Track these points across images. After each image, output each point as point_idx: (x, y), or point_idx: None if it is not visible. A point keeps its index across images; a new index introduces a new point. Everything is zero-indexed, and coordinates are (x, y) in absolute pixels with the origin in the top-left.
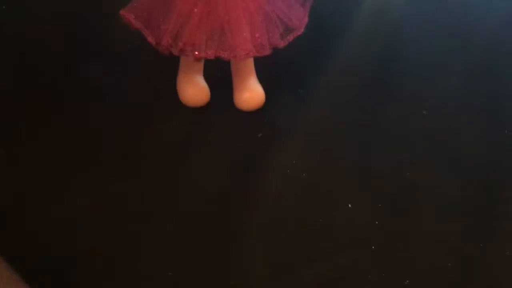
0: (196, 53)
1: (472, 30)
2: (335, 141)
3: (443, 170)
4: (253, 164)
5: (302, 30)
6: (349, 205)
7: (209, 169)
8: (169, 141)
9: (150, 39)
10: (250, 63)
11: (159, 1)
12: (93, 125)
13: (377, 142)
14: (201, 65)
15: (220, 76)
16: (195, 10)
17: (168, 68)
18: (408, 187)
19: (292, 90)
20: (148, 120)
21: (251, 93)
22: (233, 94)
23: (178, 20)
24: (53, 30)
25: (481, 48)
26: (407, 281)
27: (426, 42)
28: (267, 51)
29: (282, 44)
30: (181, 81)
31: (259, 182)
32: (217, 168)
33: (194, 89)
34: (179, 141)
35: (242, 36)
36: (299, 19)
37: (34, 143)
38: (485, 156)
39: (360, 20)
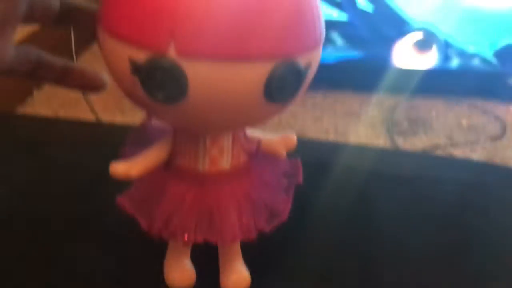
0: (186, 237)
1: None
2: None
3: None
4: None
5: (286, 215)
6: None
7: None
8: None
9: (143, 224)
10: (237, 247)
11: (153, 188)
12: None
13: None
14: (188, 249)
15: (207, 259)
16: (186, 196)
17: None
18: None
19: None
20: None
21: (237, 275)
22: (220, 276)
23: (170, 205)
24: (54, 209)
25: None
26: None
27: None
28: (253, 235)
29: (267, 228)
30: (168, 264)
31: None
32: None
33: (180, 273)
34: None
35: (230, 222)
36: (283, 205)
37: None
38: None
39: (340, 203)
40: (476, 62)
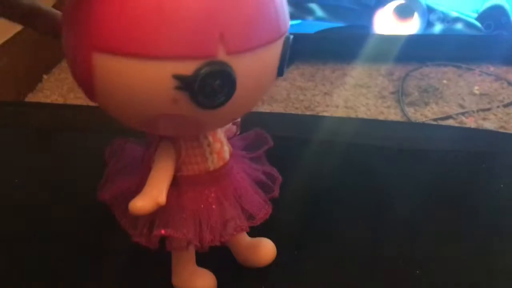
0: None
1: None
2: None
3: None
4: None
5: (278, 191)
6: None
7: None
8: None
9: (179, 240)
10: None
11: (169, 206)
12: None
13: None
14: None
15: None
16: (210, 199)
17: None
18: None
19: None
20: None
21: (265, 248)
22: (242, 257)
23: (196, 216)
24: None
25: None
26: None
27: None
28: (271, 207)
29: (276, 194)
30: (185, 277)
31: None
32: None
33: (203, 279)
34: None
35: (256, 200)
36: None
37: None
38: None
39: (351, 178)
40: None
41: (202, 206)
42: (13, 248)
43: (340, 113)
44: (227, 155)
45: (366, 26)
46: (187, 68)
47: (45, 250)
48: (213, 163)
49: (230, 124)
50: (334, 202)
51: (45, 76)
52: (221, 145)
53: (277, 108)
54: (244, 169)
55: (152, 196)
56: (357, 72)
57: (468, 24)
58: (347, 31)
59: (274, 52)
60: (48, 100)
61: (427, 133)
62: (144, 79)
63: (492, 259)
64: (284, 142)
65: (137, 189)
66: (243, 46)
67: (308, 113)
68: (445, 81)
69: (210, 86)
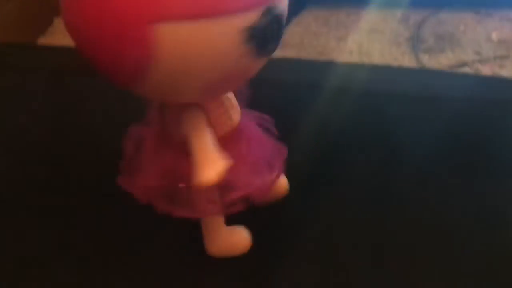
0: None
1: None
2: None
3: None
4: None
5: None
6: None
7: None
8: None
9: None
10: None
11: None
12: None
13: None
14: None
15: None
16: (243, 151)
17: None
18: None
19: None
20: None
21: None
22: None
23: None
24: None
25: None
26: None
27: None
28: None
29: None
30: (221, 240)
31: None
32: None
33: (239, 234)
34: None
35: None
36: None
37: None
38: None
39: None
40: None
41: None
42: (26, 195)
43: (354, 58)
44: (238, 107)
45: None
46: (253, 18)
47: (61, 197)
48: (235, 117)
49: None
50: (346, 147)
51: (55, 19)
52: (233, 98)
53: (290, 53)
54: (248, 118)
55: (213, 163)
56: (372, 17)
57: None
58: None
59: None
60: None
61: (441, 81)
62: (213, 40)
63: (504, 208)
64: (295, 88)
65: (177, 169)
66: None
67: (321, 58)
68: (462, 27)
69: (271, 32)
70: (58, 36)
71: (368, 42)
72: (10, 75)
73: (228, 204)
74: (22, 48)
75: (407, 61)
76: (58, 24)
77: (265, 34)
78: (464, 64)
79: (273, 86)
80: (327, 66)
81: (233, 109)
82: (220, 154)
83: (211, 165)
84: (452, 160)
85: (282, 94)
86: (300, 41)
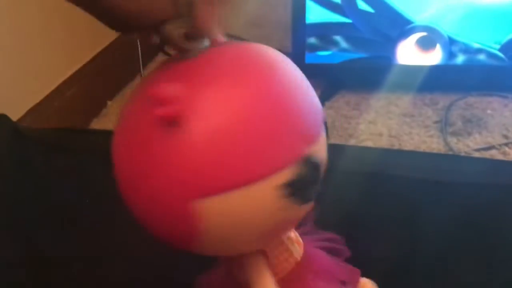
0: None
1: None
2: None
3: None
4: None
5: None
6: None
7: None
8: None
9: None
10: None
11: None
12: None
13: None
14: None
15: None
16: None
17: None
18: None
19: None
20: None
21: None
22: None
23: None
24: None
25: None
26: None
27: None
28: None
29: None
30: None
31: None
32: None
33: None
34: None
35: None
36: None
37: None
38: None
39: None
40: None
41: None
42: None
43: (384, 142)
44: (300, 239)
45: (389, 57)
46: (289, 173)
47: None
48: (298, 252)
49: None
50: (369, 229)
51: (109, 102)
52: (293, 233)
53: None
54: (312, 244)
55: None
56: (402, 101)
57: (491, 55)
58: (373, 62)
59: None
60: (112, 125)
61: (466, 166)
62: (252, 205)
63: None
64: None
65: None
66: (318, 135)
67: (351, 140)
68: (489, 111)
69: (310, 180)
70: (111, 117)
71: (398, 125)
72: (65, 157)
73: None
74: (78, 133)
75: (436, 143)
76: (111, 106)
77: (304, 184)
78: (491, 146)
79: None
80: (356, 150)
81: (293, 245)
82: None
83: None
84: (469, 244)
85: None
86: (332, 124)
